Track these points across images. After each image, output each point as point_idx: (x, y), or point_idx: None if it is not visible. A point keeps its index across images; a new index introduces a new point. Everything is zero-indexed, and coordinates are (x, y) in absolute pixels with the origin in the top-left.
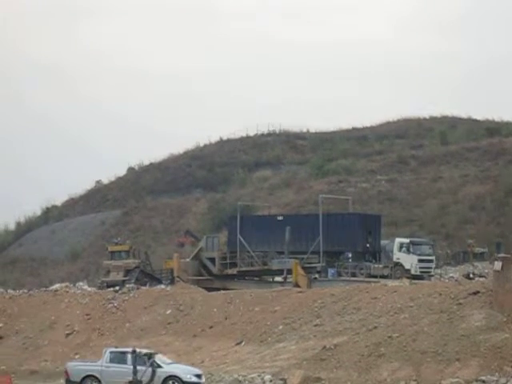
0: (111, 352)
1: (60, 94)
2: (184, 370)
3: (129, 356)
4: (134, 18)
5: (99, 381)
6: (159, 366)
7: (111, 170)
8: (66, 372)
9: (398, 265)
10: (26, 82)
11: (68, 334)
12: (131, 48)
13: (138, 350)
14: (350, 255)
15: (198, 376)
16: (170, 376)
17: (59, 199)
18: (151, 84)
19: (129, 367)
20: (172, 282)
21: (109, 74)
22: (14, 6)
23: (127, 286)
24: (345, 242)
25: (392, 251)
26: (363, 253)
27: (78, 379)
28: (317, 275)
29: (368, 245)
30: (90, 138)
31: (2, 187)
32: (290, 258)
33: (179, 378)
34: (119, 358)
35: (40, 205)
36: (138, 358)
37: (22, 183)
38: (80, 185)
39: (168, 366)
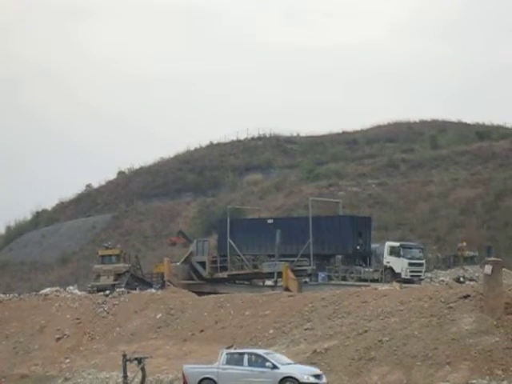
0: (228, 354)
1: (56, 96)
2: (301, 371)
3: (246, 357)
4: (131, 20)
5: (216, 383)
6: (275, 367)
7: (102, 173)
8: (183, 375)
9: (389, 268)
10: (22, 84)
11: (58, 339)
12: (127, 51)
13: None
14: (340, 257)
15: (317, 376)
16: (286, 377)
17: (49, 203)
18: (144, 87)
19: (246, 369)
20: (162, 286)
21: (104, 77)
22: (12, 8)
23: (117, 290)
24: (335, 244)
25: (382, 255)
26: (353, 255)
27: (195, 382)
28: (307, 278)
29: (358, 247)
30: (80, 139)
31: None
32: (281, 260)
33: (296, 379)
34: (236, 359)
35: (31, 209)
36: (253, 361)
37: (14, 186)
38: (72, 188)
39: (284, 366)
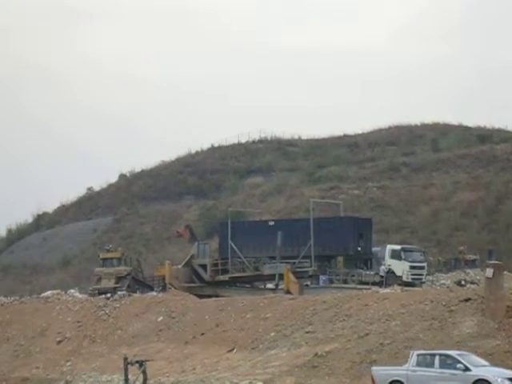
0: (419, 355)
1: (57, 98)
2: (495, 373)
3: (437, 359)
4: (132, 22)
5: None
6: (467, 369)
7: (103, 176)
8: (372, 378)
9: (390, 272)
10: (23, 87)
11: (59, 341)
12: (129, 53)
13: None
14: (341, 260)
15: None
16: (479, 380)
17: (51, 206)
18: (145, 90)
19: (436, 371)
20: (164, 289)
21: (104, 79)
22: (11, 10)
23: (119, 293)
24: (336, 245)
25: (383, 258)
26: (355, 256)
27: None
28: (308, 281)
29: (359, 248)
30: (82, 142)
31: None
32: (282, 262)
33: (489, 383)
34: (427, 361)
35: (32, 211)
36: (444, 362)
37: (15, 189)
38: (73, 191)
39: (477, 368)
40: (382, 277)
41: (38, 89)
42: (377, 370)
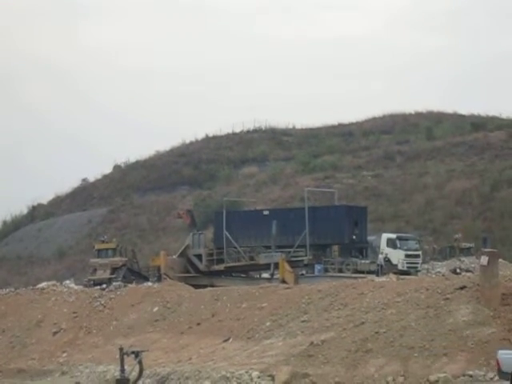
0: None
1: (52, 89)
2: None
3: None
4: (129, 14)
5: None
6: None
7: (98, 167)
8: (497, 362)
9: (385, 260)
10: (19, 77)
11: (55, 333)
12: (124, 44)
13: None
14: (337, 248)
15: None
16: None
17: (45, 197)
18: (139, 80)
19: None
20: (159, 279)
21: (100, 70)
22: (13, 3)
23: (114, 283)
24: (331, 234)
25: (379, 247)
26: (350, 245)
27: (510, 370)
28: (304, 270)
29: (354, 236)
30: (77, 134)
31: None
32: (277, 252)
33: None
34: None
35: (27, 203)
36: None
37: (10, 180)
38: (68, 182)
39: None
40: (380, 266)
41: (35, 80)
42: (503, 354)
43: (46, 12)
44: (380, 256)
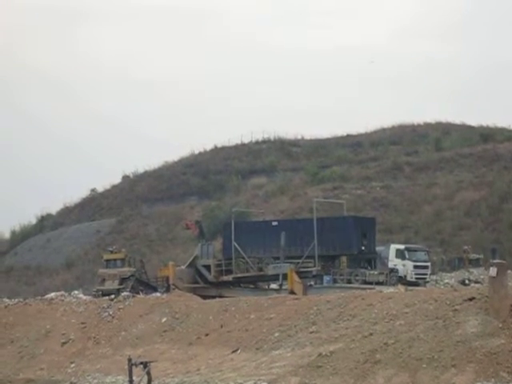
0: None
1: (59, 100)
2: None
3: None
4: (133, 23)
5: None
6: None
7: (106, 177)
8: None
9: (394, 271)
10: (23, 88)
11: (64, 343)
12: (130, 54)
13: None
14: (345, 260)
15: None
16: None
17: (54, 208)
18: (148, 91)
19: None
20: (167, 289)
21: (107, 81)
22: (11, 11)
23: (122, 294)
24: (340, 244)
25: (387, 258)
26: (359, 256)
27: None
28: (312, 280)
29: (363, 248)
30: (85, 144)
31: None
32: (286, 262)
33: None
34: None
35: (35, 213)
36: None
37: (18, 190)
38: (75, 191)
39: None
40: (399, 277)
41: (40, 91)
42: None
43: (45, 21)
44: (402, 267)
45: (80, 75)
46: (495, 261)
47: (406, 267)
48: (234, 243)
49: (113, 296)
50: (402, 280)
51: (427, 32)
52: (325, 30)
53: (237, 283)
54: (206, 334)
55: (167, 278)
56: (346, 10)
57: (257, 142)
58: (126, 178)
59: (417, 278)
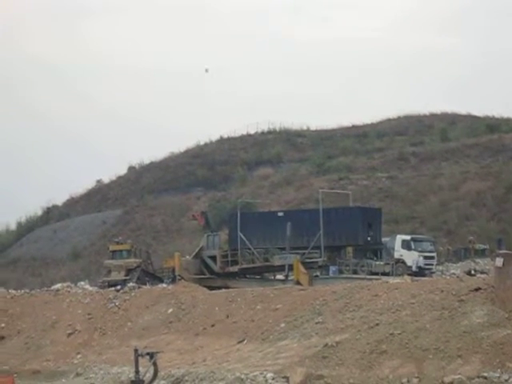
0: None
1: (60, 92)
2: None
3: None
4: (134, 15)
5: None
6: None
7: (112, 168)
8: None
9: (400, 262)
10: (26, 81)
11: (70, 334)
12: (132, 46)
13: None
14: (351, 250)
15: None
16: None
17: (60, 199)
18: (152, 82)
19: None
20: (173, 280)
21: (109, 73)
22: (14, 4)
23: (128, 285)
24: (346, 235)
25: (393, 248)
26: (364, 246)
27: None
28: (318, 271)
29: (369, 238)
30: (90, 136)
31: (2, 187)
32: (292, 253)
33: None
34: None
35: (41, 204)
36: None
37: (23, 183)
38: (81, 184)
39: None
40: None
41: (44, 84)
42: None
43: (47, 13)
44: (420, 259)
45: (86, 68)
46: (501, 251)
47: (411, 257)
48: (239, 234)
49: (119, 287)
50: (409, 270)
51: (432, 21)
52: (331, 20)
53: (243, 274)
54: (212, 325)
55: (173, 269)
56: (347, 1)
57: (262, 133)
58: (131, 168)
59: (423, 269)
